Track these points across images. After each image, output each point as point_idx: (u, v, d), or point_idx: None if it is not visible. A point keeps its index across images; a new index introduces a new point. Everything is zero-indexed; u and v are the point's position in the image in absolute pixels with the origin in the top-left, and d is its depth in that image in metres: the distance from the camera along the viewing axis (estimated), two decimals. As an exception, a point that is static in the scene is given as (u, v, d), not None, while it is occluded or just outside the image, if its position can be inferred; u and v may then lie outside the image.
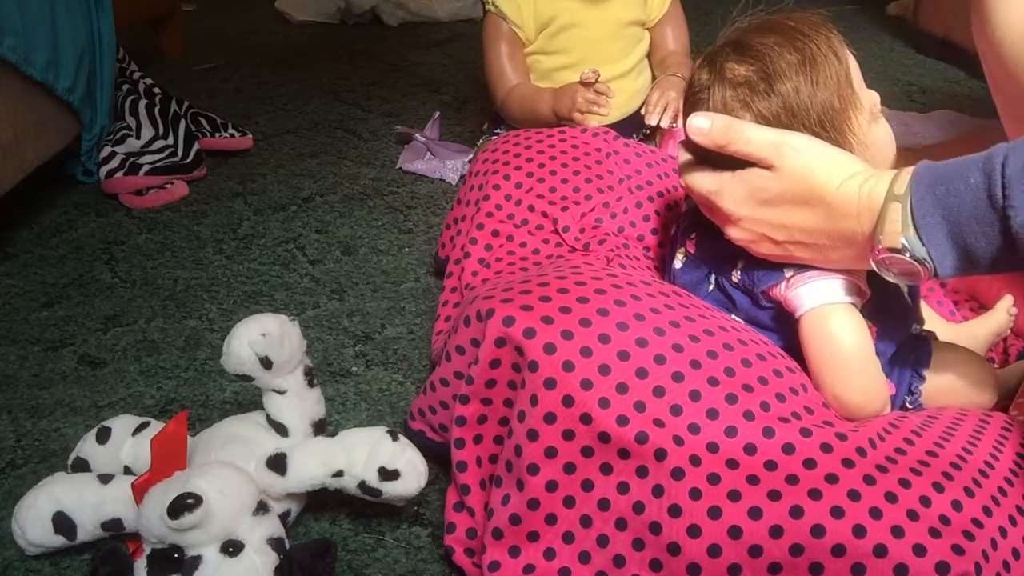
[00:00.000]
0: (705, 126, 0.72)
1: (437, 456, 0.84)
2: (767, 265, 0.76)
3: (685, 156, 0.79)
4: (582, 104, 1.24)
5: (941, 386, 0.83)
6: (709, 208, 0.77)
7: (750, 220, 0.73)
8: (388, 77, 2.04)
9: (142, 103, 1.54)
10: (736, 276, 0.79)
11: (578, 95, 1.24)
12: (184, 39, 2.16)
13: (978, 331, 0.98)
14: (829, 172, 0.69)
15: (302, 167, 1.59)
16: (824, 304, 0.74)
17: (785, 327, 0.78)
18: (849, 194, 0.68)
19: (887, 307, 0.79)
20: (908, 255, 0.64)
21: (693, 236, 0.84)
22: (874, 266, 0.67)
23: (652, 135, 1.40)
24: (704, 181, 0.76)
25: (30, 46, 1.24)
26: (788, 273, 0.75)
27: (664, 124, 1.28)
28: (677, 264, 0.86)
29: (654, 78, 1.44)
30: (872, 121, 0.77)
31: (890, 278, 0.68)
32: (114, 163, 1.45)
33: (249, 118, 1.78)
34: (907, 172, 0.66)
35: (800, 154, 0.70)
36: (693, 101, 0.79)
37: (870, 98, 0.77)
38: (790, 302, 0.76)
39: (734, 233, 0.75)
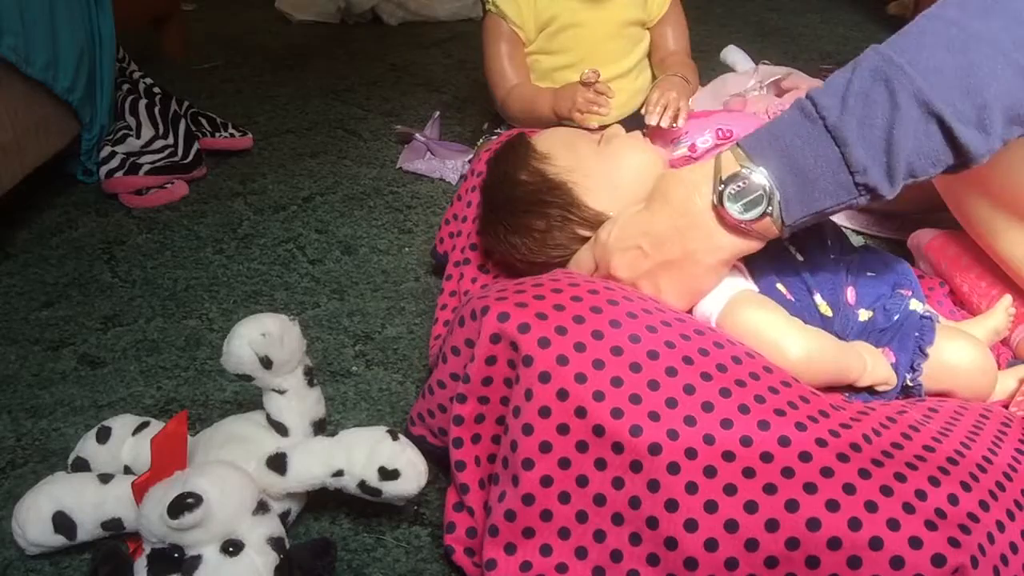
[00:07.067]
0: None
1: (437, 456, 0.84)
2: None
3: None
4: (582, 104, 1.24)
5: (943, 365, 0.84)
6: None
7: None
8: (388, 77, 2.04)
9: (142, 103, 1.54)
10: None
11: (578, 95, 1.24)
12: (184, 39, 2.16)
13: (977, 330, 0.98)
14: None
15: (302, 167, 1.59)
16: (727, 302, 0.80)
17: None
18: (669, 176, 0.79)
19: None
20: (751, 176, 0.72)
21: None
22: (726, 212, 0.73)
23: (651, 135, 1.40)
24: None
25: (30, 46, 1.24)
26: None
27: (664, 124, 1.27)
28: None
29: (654, 78, 1.45)
30: None
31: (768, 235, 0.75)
32: (114, 163, 1.45)
33: (249, 118, 1.78)
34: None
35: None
36: None
37: None
38: (707, 320, 0.81)
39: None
